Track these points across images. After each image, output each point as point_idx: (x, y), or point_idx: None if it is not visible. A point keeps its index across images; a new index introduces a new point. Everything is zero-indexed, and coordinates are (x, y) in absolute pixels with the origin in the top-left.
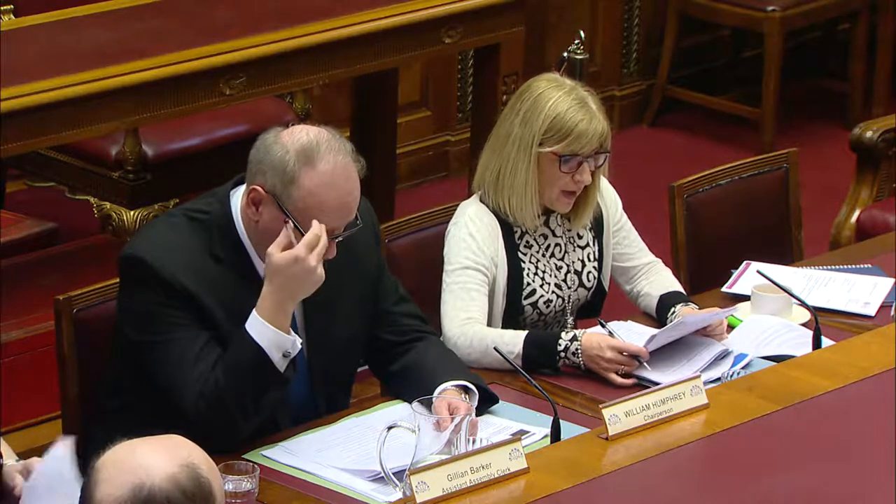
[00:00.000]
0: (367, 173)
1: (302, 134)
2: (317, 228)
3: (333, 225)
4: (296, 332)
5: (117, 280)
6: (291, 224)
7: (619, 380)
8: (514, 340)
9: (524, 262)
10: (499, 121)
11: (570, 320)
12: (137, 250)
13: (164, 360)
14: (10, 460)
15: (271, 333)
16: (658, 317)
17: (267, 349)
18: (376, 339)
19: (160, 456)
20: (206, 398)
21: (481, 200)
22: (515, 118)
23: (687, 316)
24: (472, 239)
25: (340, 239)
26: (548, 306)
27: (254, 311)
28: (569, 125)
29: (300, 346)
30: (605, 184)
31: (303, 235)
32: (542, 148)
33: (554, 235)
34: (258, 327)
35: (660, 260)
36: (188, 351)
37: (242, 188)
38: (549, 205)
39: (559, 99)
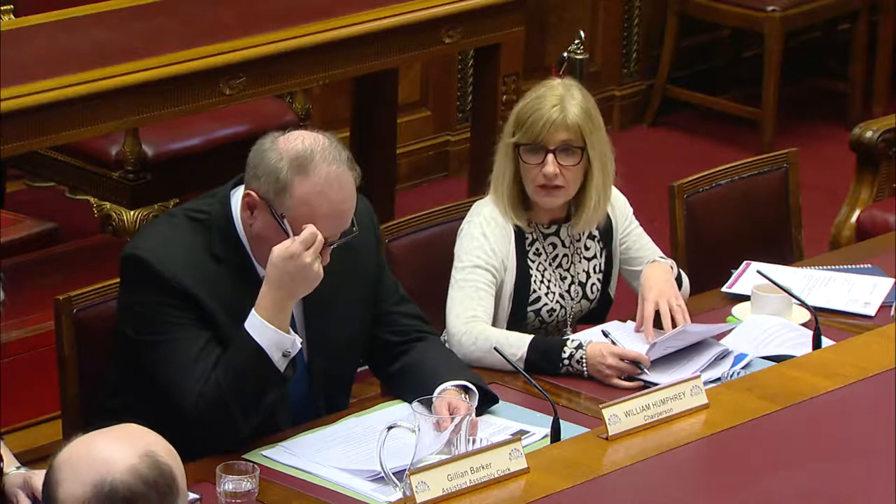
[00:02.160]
0: (367, 173)
1: (297, 141)
2: (313, 227)
3: (326, 233)
4: (295, 333)
5: (117, 280)
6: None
7: (624, 384)
8: (518, 343)
9: (532, 269)
10: None
11: (569, 332)
12: (138, 250)
13: (165, 360)
14: (12, 467)
15: (271, 332)
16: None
17: (266, 348)
18: (376, 340)
19: (118, 448)
20: (207, 398)
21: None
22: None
23: (689, 325)
24: (484, 239)
25: (335, 245)
26: (550, 315)
27: (253, 310)
28: (526, 113)
29: (300, 346)
30: (616, 194)
31: None
32: (511, 139)
33: (563, 245)
34: (257, 326)
35: (672, 261)
36: (189, 351)
37: (242, 188)
38: (532, 199)
39: (534, 92)
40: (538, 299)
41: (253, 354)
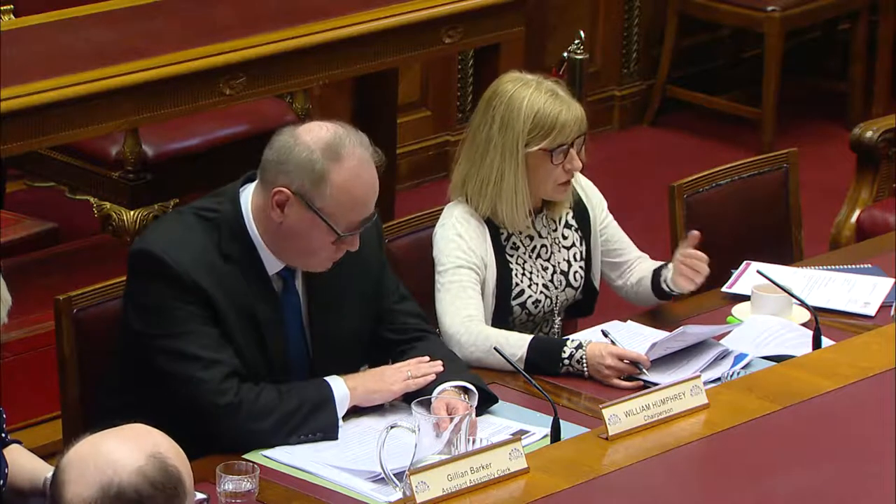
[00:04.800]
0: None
1: (321, 131)
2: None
3: (361, 217)
4: (301, 332)
5: (118, 280)
6: (321, 221)
7: (623, 384)
8: (518, 343)
9: (512, 263)
10: (471, 130)
11: (558, 321)
12: (149, 245)
13: (179, 353)
14: (49, 472)
15: (346, 402)
16: (654, 291)
17: (338, 403)
18: (377, 338)
19: (125, 449)
20: (248, 405)
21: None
22: (493, 125)
23: (689, 326)
24: (461, 239)
25: (360, 232)
26: (536, 306)
27: (342, 379)
28: (551, 119)
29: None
30: (590, 185)
31: (335, 231)
32: (529, 148)
33: (540, 237)
34: (339, 388)
35: (646, 255)
36: (203, 344)
37: (252, 186)
38: (546, 197)
39: (532, 96)
40: (522, 292)
41: (323, 396)
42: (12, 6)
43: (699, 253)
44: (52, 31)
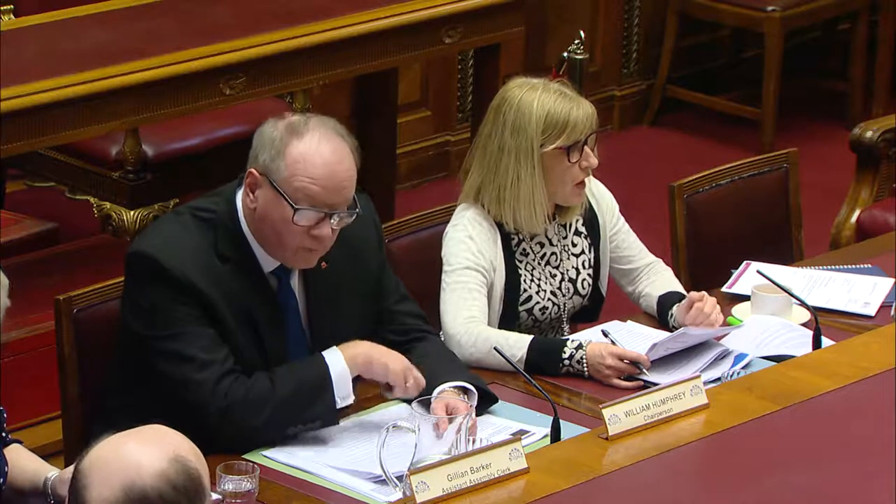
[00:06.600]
0: (367, 173)
1: (294, 116)
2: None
3: (325, 200)
4: (301, 332)
5: (118, 280)
6: (281, 197)
7: (623, 384)
8: (518, 344)
9: (521, 269)
10: (481, 139)
11: (566, 328)
12: (147, 247)
13: (178, 356)
14: (53, 472)
15: (346, 374)
16: (659, 318)
17: (335, 381)
18: (377, 338)
19: (147, 451)
20: (241, 403)
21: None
22: (504, 131)
23: (690, 328)
24: (471, 241)
25: (338, 221)
26: (543, 313)
27: (337, 348)
28: (563, 117)
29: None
30: (601, 189)
31: (291, 206)
32: (545, 148)
33: (550, 244)
34: (336, 363)
35: (660, 260)
36: (201, 345)
37: None
38: (563, 202)
39: (541, 97)
40: (529, 298)
41: (321, 377)
42: (12, 6)
43: (714, 310)
44: (52, 31)
